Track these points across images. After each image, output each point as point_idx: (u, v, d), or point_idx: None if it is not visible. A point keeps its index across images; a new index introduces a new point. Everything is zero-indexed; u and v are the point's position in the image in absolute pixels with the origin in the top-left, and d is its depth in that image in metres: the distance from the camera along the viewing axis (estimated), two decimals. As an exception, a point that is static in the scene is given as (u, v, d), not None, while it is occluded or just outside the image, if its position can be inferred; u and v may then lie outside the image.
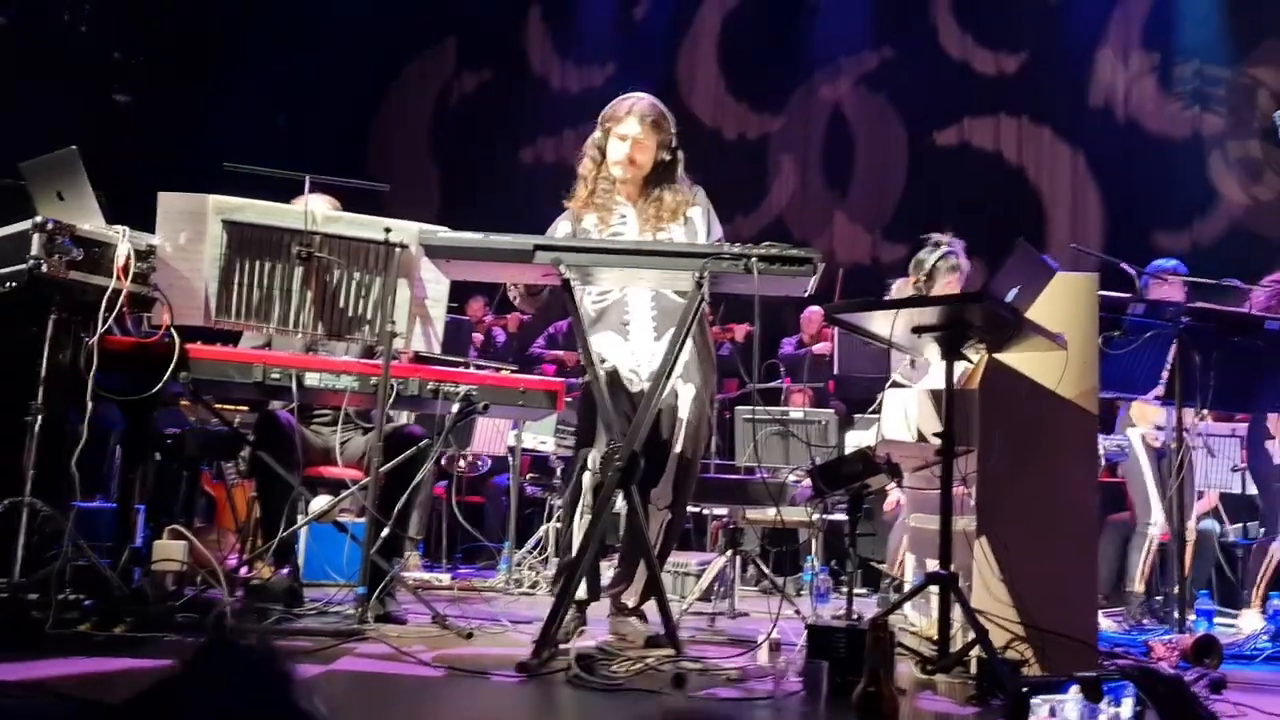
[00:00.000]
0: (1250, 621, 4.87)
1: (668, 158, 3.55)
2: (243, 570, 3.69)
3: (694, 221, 3.54)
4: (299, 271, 3.47)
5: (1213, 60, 9.25)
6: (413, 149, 10.45)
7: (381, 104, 10.53)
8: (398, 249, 3.47)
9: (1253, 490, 5.38)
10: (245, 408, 4.33)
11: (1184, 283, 4.96)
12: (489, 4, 10.35)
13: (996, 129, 9.66)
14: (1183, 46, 9.31)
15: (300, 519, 3.72)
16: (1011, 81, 9.63)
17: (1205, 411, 4.82)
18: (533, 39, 10.46)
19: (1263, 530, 5.22)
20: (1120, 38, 9.47)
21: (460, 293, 7.79)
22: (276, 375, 3.44)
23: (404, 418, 4.59)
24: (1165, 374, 4.42)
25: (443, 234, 3.18)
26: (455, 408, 3.54)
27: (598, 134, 3.59)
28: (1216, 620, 4.76)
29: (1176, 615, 4.48)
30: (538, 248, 3.10)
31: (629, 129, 3.50)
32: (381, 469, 3.44)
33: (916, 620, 3.86)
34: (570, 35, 10.33)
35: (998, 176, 9.53)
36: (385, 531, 3.41)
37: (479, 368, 4.63)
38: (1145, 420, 5.01)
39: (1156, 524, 4.92)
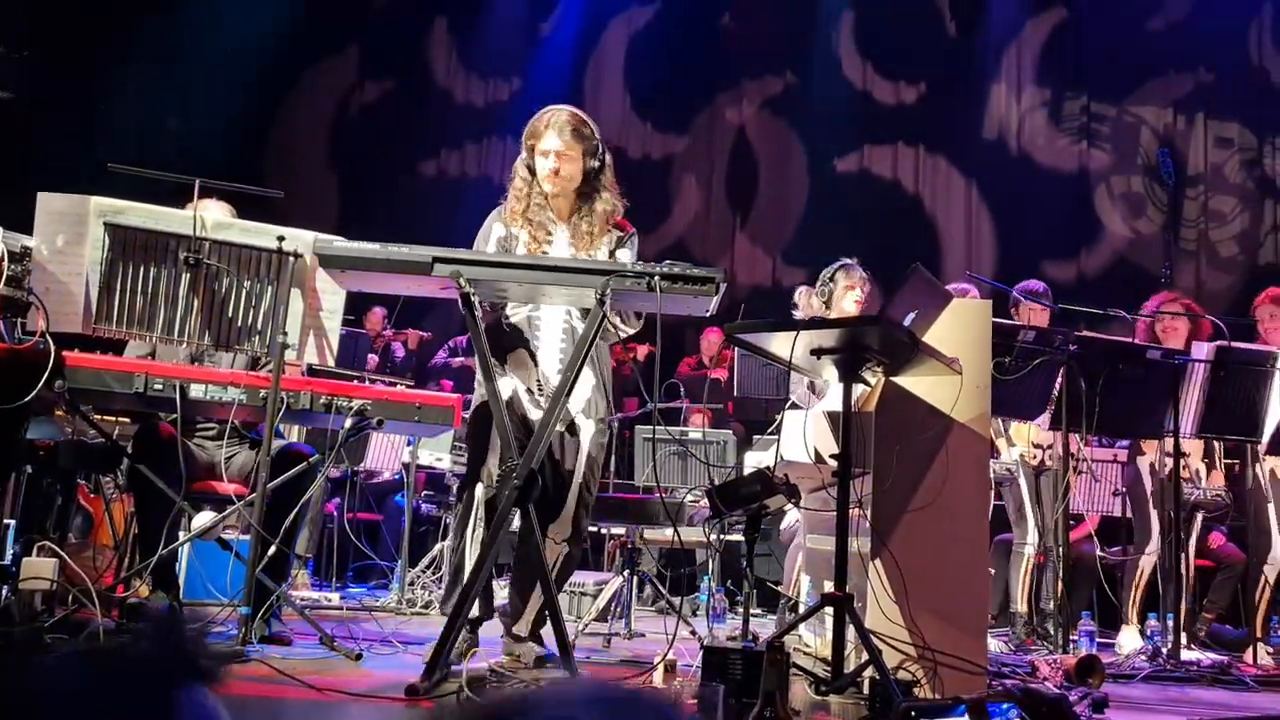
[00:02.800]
0: (1130, 640, 5.03)
1: (596, 164, 3.53)
2: (119, 589, 3.52)
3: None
4: (186, 279, 3.34)
5: (1100, 98, 9.63)
6: (312, 158, 10.23)
7: (280, 112, 10.29)
8: (291, 258, 3.36)
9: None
10: (126, 419, 4.15)
11: (1047, 307, 5.13)
12: (392, 14, 10.21)
13: (895, 157, 9.88)
14: (1072, 84, 9.67)
15: (182, 535, 3.57)
16: (910, 111, 9.86)
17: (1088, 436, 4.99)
18: (437, 50, 10.35)
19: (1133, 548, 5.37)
20: (1013, 73, 9.79)
21: (360, 305, 7.64)
22: (159, 386, 3.30)
23: (295, 432, 4.46)
24: (1053, 399, 4.55)
25: (338, 243, 3.10)
26: (348, 422, 3.44)
27: (523, 154, 3.56)
28: (1098, 640, 4.90)
29: (1059, 635, 4.61)
30: (436, 260, 3.03)
31: (551, 143, 3.47)
32: (269, 485, 3.32)
33: (811, 641, 3.88)
34: (476, 48, 10.24)
35: (896, 204, 9.74)
36: (271, 549, 3.29)
37: (375, 382, 4.52)
38: (1023, 440, 5.13)
39: (1031, 544, 5.03)
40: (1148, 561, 5.14)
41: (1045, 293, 5.23)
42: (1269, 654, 4.86)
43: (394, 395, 3.65)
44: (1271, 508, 4.99)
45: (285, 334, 3.33)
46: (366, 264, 3.06)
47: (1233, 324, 5.15)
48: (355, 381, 3.86)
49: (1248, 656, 4.84)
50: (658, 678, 2.93)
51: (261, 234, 3.42)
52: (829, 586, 3.19)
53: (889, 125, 9.86)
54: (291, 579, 4.55)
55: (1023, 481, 5.10)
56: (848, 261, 4.70)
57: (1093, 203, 9.48)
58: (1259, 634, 4.99)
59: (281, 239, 3.37)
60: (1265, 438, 4.65)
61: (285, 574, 3.75)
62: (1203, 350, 4.63)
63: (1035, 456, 5.12)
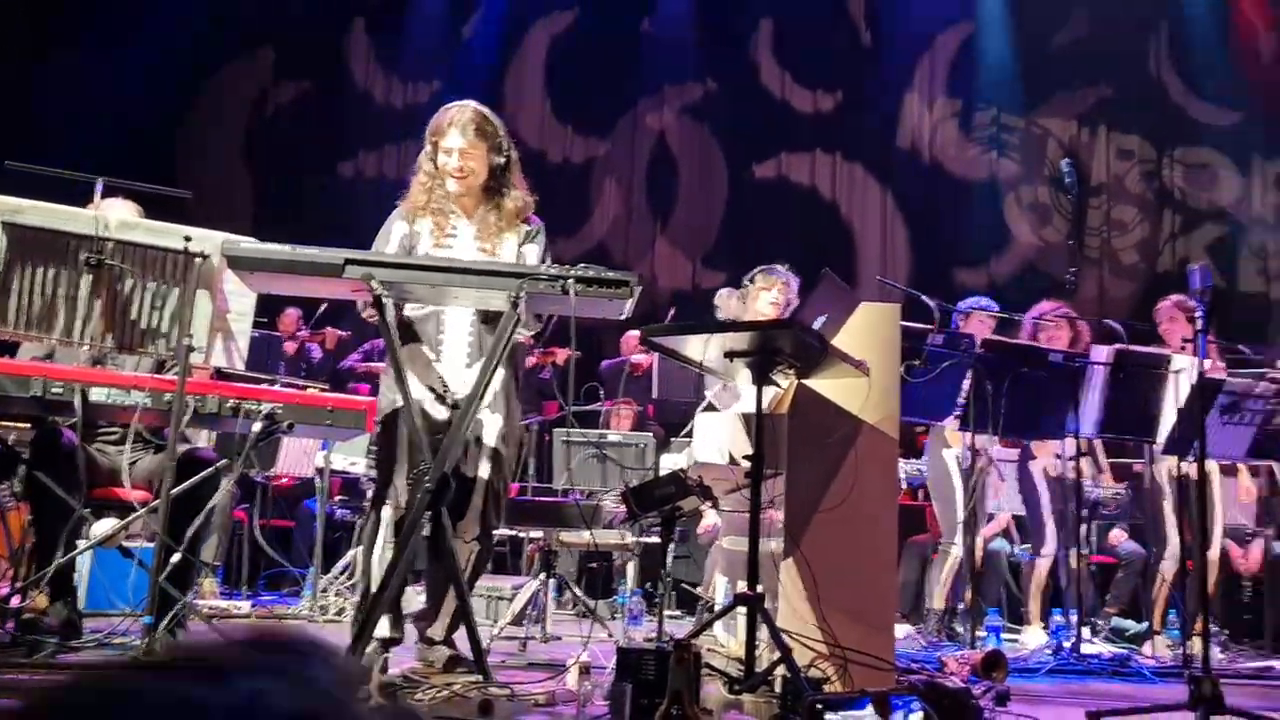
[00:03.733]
0: (1034, 637, 5.17)
1: (502, 160, 3.50)
2: (14, 600, 3.40)
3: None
4: (87, 280, 3.24)
5: (1008, 110, 9.90)
6: (227, 159, 10.03)
7: (193, 111, 10.06)
8: (198, 259, 3.29)
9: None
10: (24, 424, 4.02)
11: (992, 320, 5.26)
12: (309, 14, 10.06)
13: (812, 165, 10.02)
14: (982, 95, 9.92)
15: (81, 544, 3.47)
16: (827, 120, 10.02)
17: (996, 437, 5.12)
18: (355, 52, 10.23)
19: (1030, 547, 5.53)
20: (926, 84, 10.00)
21: (274, 306, 7.51)
22: (58, 389, 3.20)
23: (203, 437, 4.37)
24: (961, 401, 4.66)
25: (246, 244, 3.05)
26: (257, 427, 3.38)
27: (426, 148, 3.52)
28: (1004, 636, 5.03)
29: (968, 632, 4.72)
30: (348, 262, 3.00)
31: (454, 141, 3.44)
32: (173, 491, 3.24)
33: (727, 641, 3.92)
34: (395, 50, 10.15)
35: (812, 210, 9.88)
36: (176, 557, 3.22)
37: (287, 385, 4.44)
38: (959, 442, 5.23)
39: (959, 544, 5.13)
40: (1044, 563, 5.30)
41: (986, 307, 5.36)
42: (1167, 647, 5.04)
43: (305, 399, 3.59)
44: (1168, 506, 5.17)
45: (191, 336, 3.25)
46: (275, 265, 3.02)
47: (1132, 329, 5.34)
48: (265, 385, 3.79)
49: (1146, 649, 5.01)
50: (571, 680, 2.93)
51: (167, 234, 3.33)
52: (743, 587, 3.23)
53: (806, 133, 10.01)
54: (198, 587, 4.45)
55: (956, 483, 5.19)
56: (770, 265, 4.77)
57: (1002, 211, 9.74)
58: (1157, 627, 5.17)
59: (188, 239, 3.29)
60: (1161, 438, 4.82)
61: (191, 582, 3.66)
62: (1102, 353, 4.78)
63: (967, 460, 5.21)
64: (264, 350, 6.92)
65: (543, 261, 3.51)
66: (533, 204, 3.56)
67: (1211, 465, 5.02)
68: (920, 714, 2.00)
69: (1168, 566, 5.14)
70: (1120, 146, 9.77)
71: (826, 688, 2.99)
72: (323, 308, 7.55)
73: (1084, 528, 5.13)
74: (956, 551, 5.11)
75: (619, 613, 5.42)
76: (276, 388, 3.73)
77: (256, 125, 10.17)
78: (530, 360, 7.27)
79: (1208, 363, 3.80)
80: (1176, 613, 5.13)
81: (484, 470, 3.39)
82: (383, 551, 3.26)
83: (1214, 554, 5.13)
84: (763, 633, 3.12)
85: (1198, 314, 3.42)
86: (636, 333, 7.70)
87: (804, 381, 3.41)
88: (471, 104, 3.51)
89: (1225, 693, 2.97)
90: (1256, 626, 5.55)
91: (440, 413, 3.33)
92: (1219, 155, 9.64)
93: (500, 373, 3.33)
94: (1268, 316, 8.79)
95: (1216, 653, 4.77)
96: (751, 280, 4.75)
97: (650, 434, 6.26)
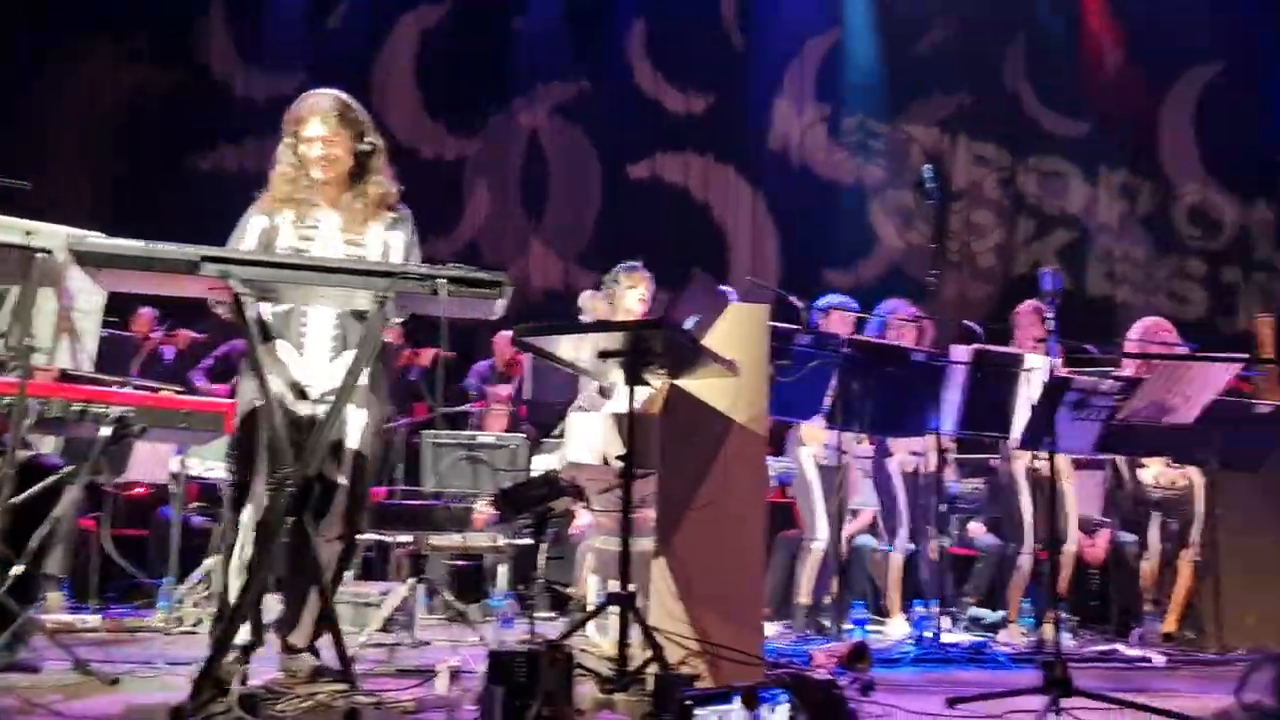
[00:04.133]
0: (897, 628, 5.33)
1: (366, 148, 3.42)
2: None
3: (392, 247, 3.42)
4: (-84, 276, 3.05)
5: (874, 116, 10.17)
6: (74, 150, 9.51)
7: (36, 99, 9.51)
8: (39, 255, 3.12)
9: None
10: None
11: (852, 317, 5.38)
12: (165, 1, 9.63)
13: (685, 165, 10.10)
14: (848, 101, 10.17)
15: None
16: (699, 121, 10.10)
17: (863, 435, 5.26)
18: (214, 40, 9.82)
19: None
20: (795, 88, 10.19)
21: (127, 305, 7.18)
22: (-115, 393, 3.00)
23: (50, 443, 4.14)
24: (828, 400, 4.76)
25: (94, 239, 2.89)
26: (106, 431, 3.22)
27: (286, 139, 3.41)
28: (869, 628, 5.17)
29: (835, 625, 4.83)
30: (204, 259, 2.88)
31: (315, 129, 3.35)
32: (13, 500, 3.06)
33: (600, 641, 3.91)
34: (256, 39, 9.79)
35: (685, 211, 9.96)
36: (16, 570, 3.04)
37: (139, 387, 4.24)
38: (815, 440, 5.34)
39: (821, 539, 5.23)
40: (898, 556, 5.48)
41: (844, 305, 5.48)
42: (1022, 634, 5.25)
43: (158, 401, 3.45)
44: (1024, 499, 5.38)
45: (33, 336, 3.08)
46: (126, 262, 2.88)
47: (989, 329, 5.56)
48: (115, 387, 3.61)
49: (1003, 637, 5.21)
50: (441, 685, 2.88)
51: (7, 229, 3.16)
52: (616, 586, 3.22)
53: (679, 134, 10.07)
54: (42, 601, 4.21)
55: (813, 480, 5.29)
56: (632, 263, 4.80)
57: (868, 215, 10.01)
58: (1013, 616, 5.38)
59: (29, 234, 3.12)
60: (1015, 434, 5.01)
61: (34, 596, 3.47)
62: (962, 353, 4.95)
63: (825, 457, 5.32)
64: (118, 351, 6.61)
65: (409, 250, 3.44)
66: (397, 193, 3.48)
67: (1065, 461, 5.25)
68: (786, 706, 2.03)
69: (1024, 559, 5.34)
70: (978, 153, 10.15)
71: (698, 684, 3.02)
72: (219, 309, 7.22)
73: (943, 521, 5.31)
74: (818, 547, 5.22)
75: (491, 616, 5.36)
76: (127, 390, 3.56)
77: (108, 114, 9.69)
78: (399, 360, 7.13)
79: (1058, 361, 3.98)
80: (1031, 601, 5.35)
81: (346, 471, 3.30)
82: (242, 558, 3.14)
83: (1071, 547, 5.38)
84: (635, 632, 3.12)
85: (1048, 315, 3.57)
86: (509, 333, 7.63)
87: (676, 381, 3.43)
88: (332, 92, 3.43)
89: (1075, 676, 3.12)
90: (1103, 612, 5.84)
91: (303, 409, 3.23)
92: (1069, 164, 10.13)
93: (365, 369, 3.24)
94: (1113, 318, 9.26)
95: (1067, 639, 5.00)
96: (616, 279, 4.76)
97: (523, 435, 6.21)
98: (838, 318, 5.35)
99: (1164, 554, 5.46)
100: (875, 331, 5.45)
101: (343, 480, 3.27)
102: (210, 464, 5.45)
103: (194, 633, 4.60)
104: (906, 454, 5.51)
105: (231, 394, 6.40)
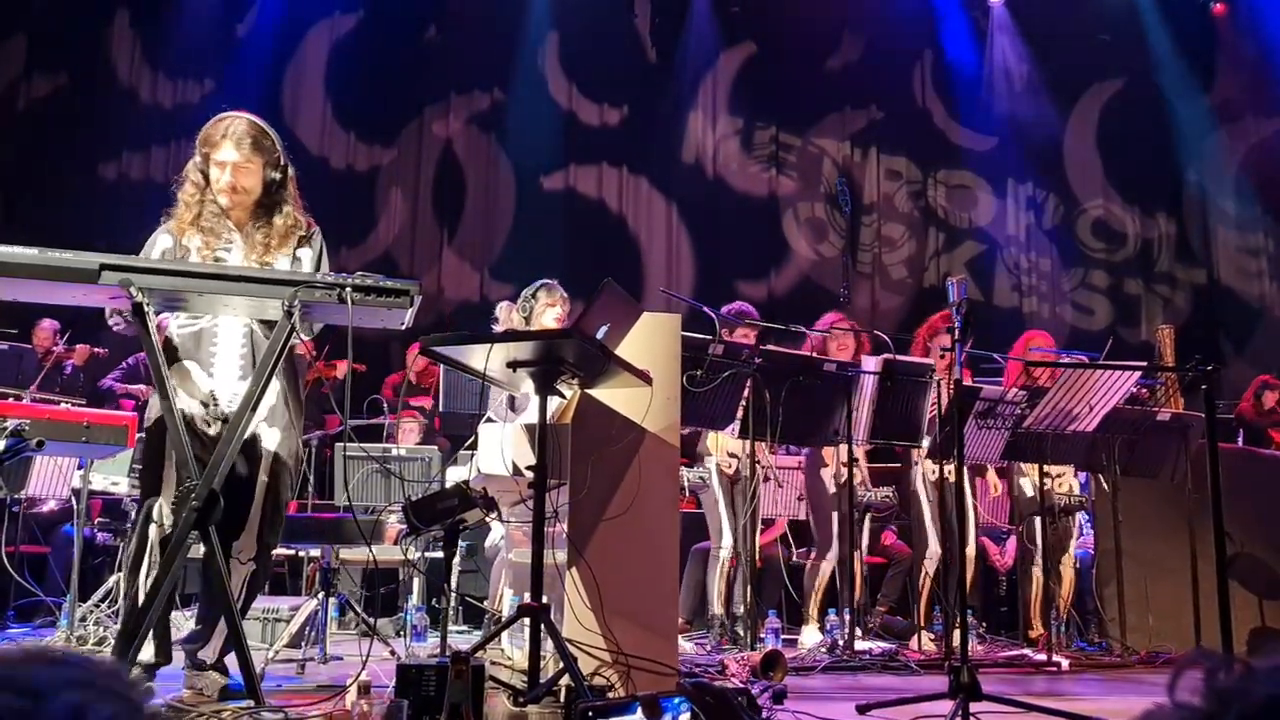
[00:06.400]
0: (810, 636, 5.39)
1: (277, 176, 3.36)
2: None
3: (301, 263, 3.37)
4: None
5: (786, 129, 10.33)
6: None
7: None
8: (-72, 263, 3.00)
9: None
10: None
11: (755, 328, 5.45)
12: (67, 3, 9.36)
13: (600, 177, 10.13)
14: (761, 114, 10.31)
15: None
16: (613, 133, 10.15)
17: (773, 444, 5.31)
18: (119, 46, 9.56)
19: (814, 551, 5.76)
20: (709, 101, 10.30)
21: (28, 317, 6.96)
22: None
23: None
24: (740, 409, 4.80)
25: (-15, 248, 2.80)
26: (1, 444, 3.11)
27: (196, 159, 3.34)
28: (783, 636, 5.22)
29: (748, 635, 4.86)
30: (104, 267, 2.81)
31: (228, 155, 3.28)
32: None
33: (514, 654, 3.89)
34: (163, 45, 9.55)
35: (601, 222, 9.98)
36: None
37: (38, 400, 4.11)
38: (719, 450, 5.39)
39: (726, 548, 5.28)
40: (828, 566, 5.54)
41: (753, 314, 5.55)
42: (931, 640, 5.35)
43: (57, 414, 3.35)
44: (927, 507, 5.50)
45: (-79, 347, 2.97)
46: (21, 270, 2.79)
47: (899, 340, 5.67)
48: (11, 399, 3.50)
49: (913, 643, 5.30)
50: (350, 700, 2.83)
51: (-108, 235, 3.03)
52: (529, 598, 3.21)
53: (594, 146, 10.11)
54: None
55: (718, 489, 5.35)
56: (548, 281, 4.79)
57: (781, 226, 10.15)
58: (922, 623, 5.48)
59: (-84, 241, 3.00)
60: (924, 443, 5.12)
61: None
62: (871, 363, 5.04)
63: (730, 466, 5.37)
64: (16, 363, 6.41)
65: (318, 263, 3.40)
66: (304, 225, 3.42)
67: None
68: (688, 714, 2.05)
69: (930, 565, 5.46)
70: (889, 167, 10.38)
71: (610, 695, 3.02)
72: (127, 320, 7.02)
73: (856, 529, 5.39)
74: (724, 556, 5.28)
75: (403, 630, 5.29)
76: (25, 402, 3.45)
77: (5, 120, 9.37)
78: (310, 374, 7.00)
79: (965, 371, 4.07)
80: (939, 608, 5.46)
81: (260, 486, 3.24)
82: (147, 574, 3.06)
83: (971, 550, 5.50)
84: (549, 644, 3.11)
85: (955, 325, 3.65)
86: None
87: (587, 391, 3.44)
88: (246, 115, 3.35)
89: (982, 680, 3.19)
90: (1011, 618, 5.98)
91: (212, 428, 3.17)
92: (977, 177, 10.41)
93: (276, 384, 3.20)
94: (1020, 328, 9.52)
95: (975, 644, 5.11)
96: (534, 297, 4.74)
97: (435, 447, 6.15)
98: (740, 330, 5.42)
99: (1042, 561, 5.58)
100: (817, 345, 5.54)
101: (263, 477, 3.22)
102: (114, 479, 5.29)
103: (98, 650, 4.45)
104: (839, 464, 5.59)
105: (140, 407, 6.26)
